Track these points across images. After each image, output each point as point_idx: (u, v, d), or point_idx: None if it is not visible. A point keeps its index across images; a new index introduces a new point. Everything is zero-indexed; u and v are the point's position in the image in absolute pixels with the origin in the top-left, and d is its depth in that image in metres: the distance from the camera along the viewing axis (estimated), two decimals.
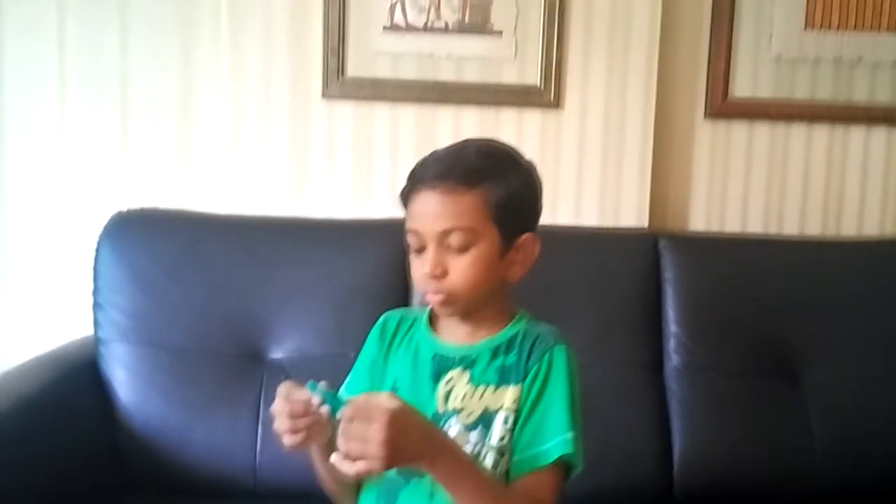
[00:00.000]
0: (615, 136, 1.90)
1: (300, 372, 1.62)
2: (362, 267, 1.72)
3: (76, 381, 1.58)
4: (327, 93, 1.88)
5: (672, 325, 1.72)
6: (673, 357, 1.71)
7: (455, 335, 1.17)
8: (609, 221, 1.92)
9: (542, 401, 1.09)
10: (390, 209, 1.88)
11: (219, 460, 1.57)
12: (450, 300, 1.10)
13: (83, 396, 1.57)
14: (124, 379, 1.60)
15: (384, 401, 0.95)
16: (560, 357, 1.11)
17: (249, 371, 1.63)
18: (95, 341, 1.64)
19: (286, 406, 1.02)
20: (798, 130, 1.99)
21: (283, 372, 1.63)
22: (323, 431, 1.04)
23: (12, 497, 1.29)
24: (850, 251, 1.86)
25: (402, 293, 1.70)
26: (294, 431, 1.02)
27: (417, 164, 1.12)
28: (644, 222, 1.93)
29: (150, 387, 1.60)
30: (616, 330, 1.71)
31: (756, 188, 2.00)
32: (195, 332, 1.64)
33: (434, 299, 1.11)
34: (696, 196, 2.01)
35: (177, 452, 1.56)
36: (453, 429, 1.10)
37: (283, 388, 1.04)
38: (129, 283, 1.65)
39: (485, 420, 1.10)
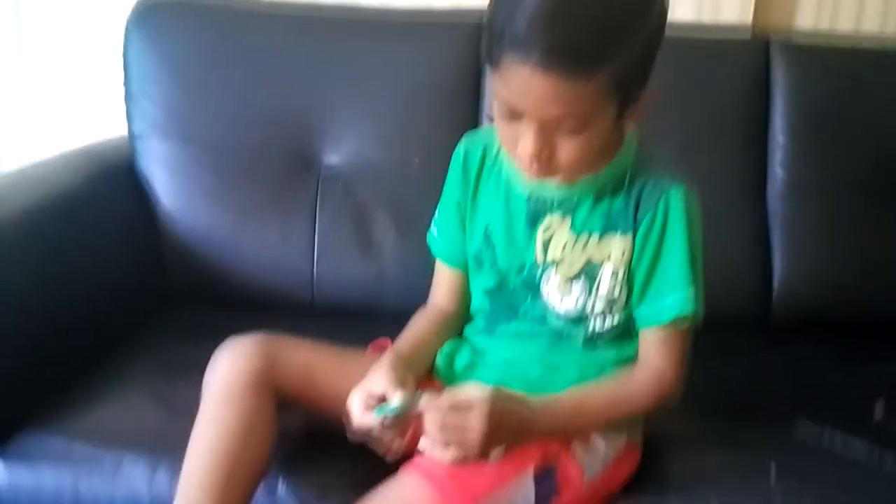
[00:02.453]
0: None
1: (359, 180, 1.46)
2: (427, 62, 1.49)
3: (113, 178, 1.39)
4: None
5: (780, 137, 1.50)
6: (778, 174, 1.50)
7: None
8: (707, 16, 1.66)
9: (661, 255, 0.97)
10: None
11: (273, 272, 1.42)
12: (552, 178, 0.93)
13: (121, 196, 1.39)
14: (165, 179, 1.42)
15: (479, 392, 0.87)
16: (677, 201, 0.95)
17: (302, 175, 1.45)
18: (130, 137, 1.45)
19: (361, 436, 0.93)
20: None
21: (339, 179, 1.46)
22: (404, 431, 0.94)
23: (49, 295, 1.15)
24: None
25: (473, 92, 1.49)
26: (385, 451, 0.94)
27: (518, 13, 0.80)
28: (748, 18, 1.66)
29: (193, 189, 1.42)
30: (715, 143, 1.50)
31: None
32: (240, 129, 1.45)
33: (532, 178, 0.93)
34: None
35: (227, 262, 1.41)
36: (553, 280, 1.01)
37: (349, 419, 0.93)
38: (163, 72, 1.44)
39: (588, 272, 1.00)
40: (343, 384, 0.95)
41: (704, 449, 1.07)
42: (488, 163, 1.06)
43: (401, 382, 0.91)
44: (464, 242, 1.09)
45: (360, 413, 0.90)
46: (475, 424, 0.84)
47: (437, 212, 1.15)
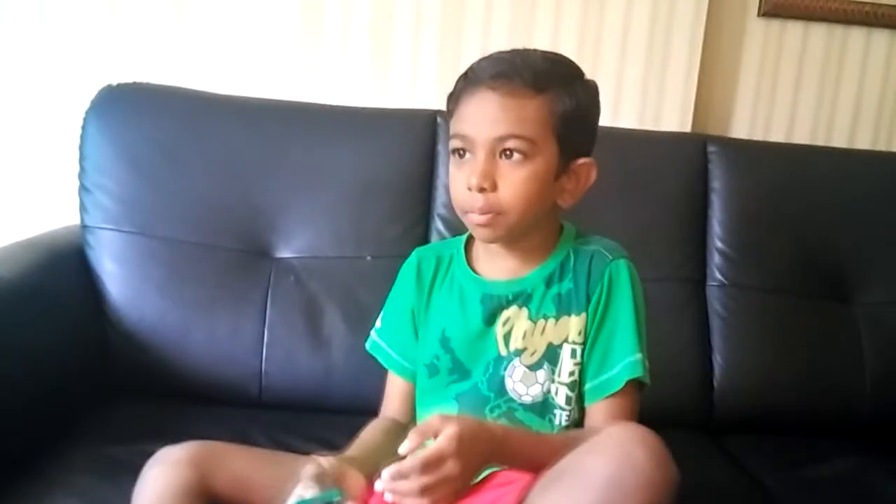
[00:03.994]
0: (662, 29, 1.72)
1: (311, 274, 1.47)
2: (380, 161, 1.53)
3: (61, 269, 1.38)
4: None
5: (717, 240, 1.58)
6: (717, 273, 1.58)
7: (501, 270, 1.06)
8: (648, 124, 1.75)
9: (607, 323, 1.02)
10: (411, 98, 1.72)
11: (221, 365, 1.41)
12: (497, 221, 0.98)
13: (69, 287, 1.38)
14: (115, 270, 1.41)
15: (445, 429, 0.82)
16: (620, 273, 1.02)
17: (254, 269, 1.46)
18: (82, 228, 1.45)
19: None
20: (857, 35, 1.83)
21: (291, 273, 1.47)
22: None
23: None
24: None
25: (424, 190, 1.53)
26: None
27: (474, 64, 1.01)
28: (687, 126, 1.77)
29: (143, 280, 1.42)
30: (656, 242, 1.56)
31: (806, 95, 1.85)
32: (194, 221, 1.45)
33: (477, 220, 0.99)
34: (742, 101, 1.85)
35: (174, 354, 1.39)
36: (518, 370, 1.03)
37: None
38: (119, 164, 1.45)
39: (550, 356, 1.03)
40: (281, 494, 0.91)
41: None
42: (441, 272, 1.10)
43: (332, 477, 0.90)
44: (416, 351, 1.10)
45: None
46: (455, 471, 0.81)
47: (381, 322, 1.17)
